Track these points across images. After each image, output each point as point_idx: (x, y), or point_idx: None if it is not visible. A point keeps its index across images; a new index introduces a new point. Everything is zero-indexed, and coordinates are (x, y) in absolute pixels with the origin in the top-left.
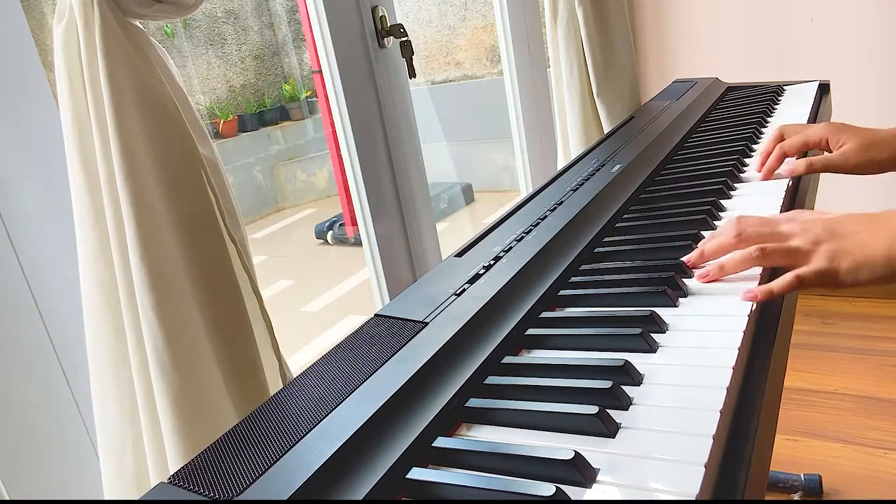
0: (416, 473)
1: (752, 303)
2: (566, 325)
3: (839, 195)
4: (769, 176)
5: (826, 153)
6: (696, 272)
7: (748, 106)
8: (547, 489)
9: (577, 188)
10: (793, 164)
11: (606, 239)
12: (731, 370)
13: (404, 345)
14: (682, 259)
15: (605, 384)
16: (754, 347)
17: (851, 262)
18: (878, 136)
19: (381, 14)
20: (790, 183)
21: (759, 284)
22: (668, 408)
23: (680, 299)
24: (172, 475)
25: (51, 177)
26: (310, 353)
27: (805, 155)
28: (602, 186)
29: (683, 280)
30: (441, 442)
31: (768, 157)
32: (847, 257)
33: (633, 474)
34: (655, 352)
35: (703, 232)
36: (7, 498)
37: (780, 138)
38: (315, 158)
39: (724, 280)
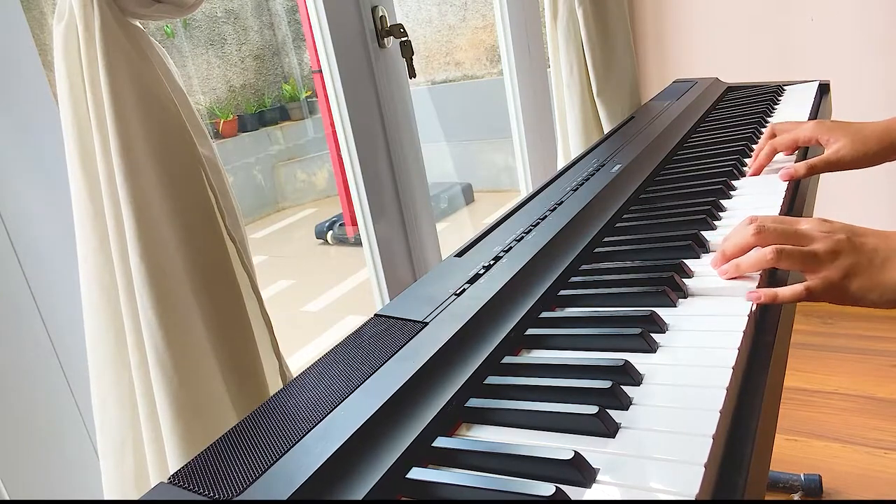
0: (416, 473)
1: (752, 303)
2: (566, 325)
3: (839, 196)
4: (758, 172)
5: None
6: (717, 270)
7: (748, 106)
8: (547, 489)
9: (577, 188)
10: (793, 168)
11: (606, 239)
12: (731, 370)
13: (404, 345)
14: (710, 265)
15: (605, 384)
16: (754, 347)
17: (864, 282)
18: (866, 129)
19: (381, 14)
20: (790, 183)
21: (760, 283)
22: (667, 408)
23: (680, 299)
24: (172, 475)
25: (51, 177)
26: (310, 353)
27: (804, 157)
28: (602, 186)
29: (683, 280)
30: (441, 442)
31: (760, 168)
32: (861, 276)
33: (632, 474)
34: (655, 352)
35: (702, 232)
36: (7, 498)
37: (772, 135)
38: (315, 158)
39: (725, 281)
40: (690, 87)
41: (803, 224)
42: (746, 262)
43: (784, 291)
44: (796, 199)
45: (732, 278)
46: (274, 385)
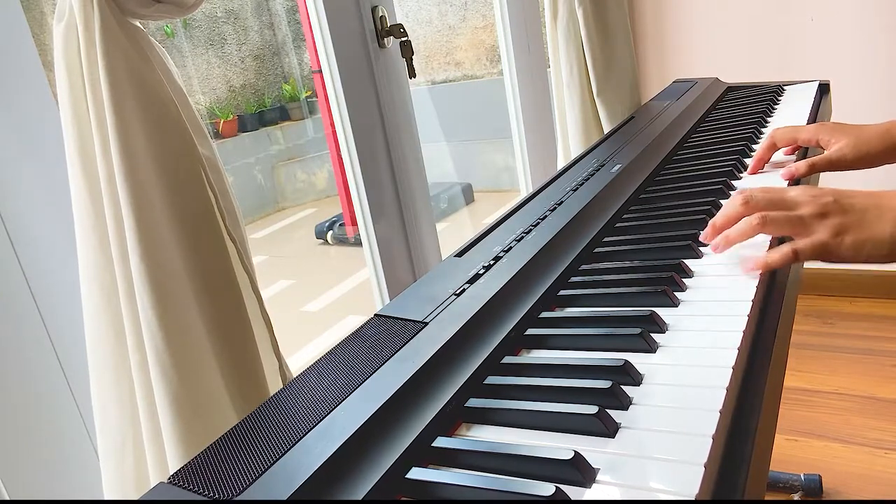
0: (416, 473)
1: (751, 302)
2: (566, 325)
3: None
4: (757, 168)
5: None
6: (709, 245)
7: (748, 106)
8: (547, 489)
9: (577, 188)
10: (794, 167)
11: (606, 239)
12: (731, 370)
13: (404, 345)
14: (699, 237)
15: (605, 384)
16: (754, 347)
17: (856, 238)
18: (868, 131)
19: (381, 14)
20: (790, 182)
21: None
22: (667, 408)
23: (680, 299)
24: (172, 475)
25: (51, 177)
26: (310, 353)
27: (805, 156)
28: (602, 186)
29: (683, 280)
30: (441, 442)
31: (759, 161)
32: (852, 233)
33: (632, 474)
34: (655, 352)
35: (702, 232)
36: (7, 498)
37: (772, 144)
38: (315, 158)
39: (725, 276)
40: (690, 87)
41: (791, 192)
42: (734, 233)
43: (772, 256)
44: None
45: (723, 251)
46: (274, 385)
